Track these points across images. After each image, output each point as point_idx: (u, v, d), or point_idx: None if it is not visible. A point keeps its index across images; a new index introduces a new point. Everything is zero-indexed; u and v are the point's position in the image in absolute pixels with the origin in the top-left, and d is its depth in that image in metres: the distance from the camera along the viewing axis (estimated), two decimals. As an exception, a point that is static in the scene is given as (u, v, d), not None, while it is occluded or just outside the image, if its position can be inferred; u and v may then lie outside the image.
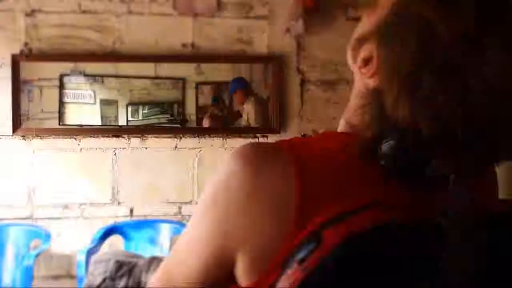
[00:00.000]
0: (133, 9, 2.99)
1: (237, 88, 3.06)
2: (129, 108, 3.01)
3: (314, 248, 0.55)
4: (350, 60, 0.70)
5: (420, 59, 0.58)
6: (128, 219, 3.00)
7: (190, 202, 3.04)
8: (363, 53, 0.66)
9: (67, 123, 2.96)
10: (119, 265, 2.48)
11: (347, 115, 0.72)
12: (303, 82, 3.12)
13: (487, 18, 0.58)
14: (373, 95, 0.64)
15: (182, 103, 3.03)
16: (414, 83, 0.58)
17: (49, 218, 2.94)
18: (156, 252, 2.83)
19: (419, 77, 0.58)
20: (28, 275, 2.59)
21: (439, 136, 0.57)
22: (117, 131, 3.00)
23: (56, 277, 2.95)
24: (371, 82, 0.65)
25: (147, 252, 2.82)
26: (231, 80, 3.05)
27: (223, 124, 3.08)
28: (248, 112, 3.07)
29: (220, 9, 3.04)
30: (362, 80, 0.67)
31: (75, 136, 2.96)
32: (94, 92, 2.98)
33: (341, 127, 0.73)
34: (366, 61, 0.66)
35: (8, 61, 2.89)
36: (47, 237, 2.79)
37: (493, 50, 0.57)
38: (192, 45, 3.03)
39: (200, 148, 3.05)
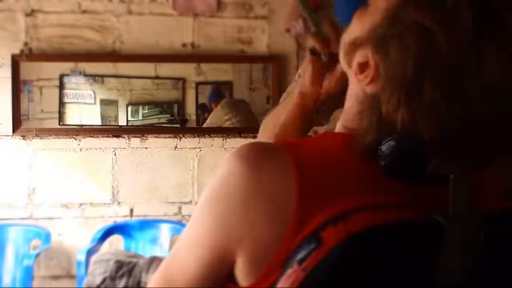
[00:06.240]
0: (133, 9, 2.98)
1: (212, 102, 3.07)
2: (129, 108, 3.01)
3: (314, 248, 0.55)
4: (344, 65, 0.70)
5: (421, 67, 0.58)
6: (128, 219, 3.00)
7: (190, 202, 3.04)
8: (358, 59, 0.65)
9: (67, 123, 2.96)
10: (119, 265, 2.48)
11: (344, 120, 0.70)
12: (303, 82, 3.11)
13: (484, 21, 0.58)
14: (371, 101, 0.63)
15: (182, 103, 3.03)
16: (415, 90, 0.58)
17: (49, 218, 2.93)
18: (156, 252, 2.83)
19: (419, 84, 0.58)
20: (28, 275, 2.59)
21: (439, 137, 0.57)
22: (117, 131, 3.00)
23: (56, 277, 2.95)
24: (368, 89, 0.64)
25: (147, 252, 2.82)
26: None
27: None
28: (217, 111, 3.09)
29: (220, 9, 3.04)
30: (358, 85, 0.66)
31: (75, 136, 2.96)
32: (94, 92, 2.97)
33: (338, 130, 0.72)
34: (362, 67, 0.64)
35: (8, 61, 2.88)
36: (47, 237, 2.78)
37: (490, 53, 0.57)
38: (192, 45, 3.03)
39: (200, 148, 3.04)
